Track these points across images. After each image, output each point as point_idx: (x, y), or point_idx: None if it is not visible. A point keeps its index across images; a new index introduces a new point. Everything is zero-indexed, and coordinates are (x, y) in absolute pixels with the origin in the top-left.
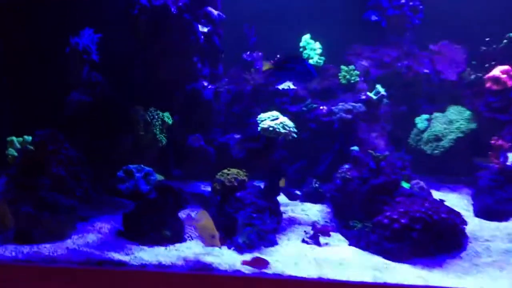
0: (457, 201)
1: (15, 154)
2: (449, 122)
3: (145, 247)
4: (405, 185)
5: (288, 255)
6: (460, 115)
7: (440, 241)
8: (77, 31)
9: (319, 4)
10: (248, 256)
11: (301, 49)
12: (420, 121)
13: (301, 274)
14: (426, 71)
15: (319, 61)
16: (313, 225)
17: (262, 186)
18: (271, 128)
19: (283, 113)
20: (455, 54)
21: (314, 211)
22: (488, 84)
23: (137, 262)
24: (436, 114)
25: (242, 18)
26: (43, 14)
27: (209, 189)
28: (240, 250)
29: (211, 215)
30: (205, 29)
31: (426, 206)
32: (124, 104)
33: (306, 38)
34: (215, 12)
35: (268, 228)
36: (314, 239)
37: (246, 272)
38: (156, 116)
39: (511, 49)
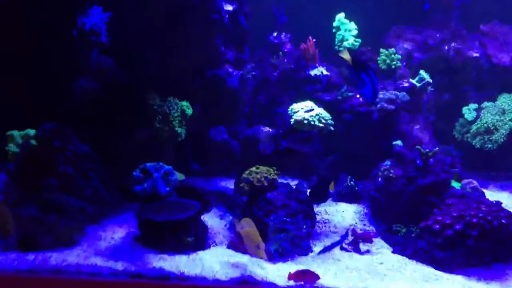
0: (510, 201)
1: (16, 150)
2: (502, 113)
3: (165, 256)
4: (455, 184)
5: (325, 265)
6: None
7: (499, 250)
8: (85, 10)
9: None
10: (284, 267)
11: (334, 30)
12: (468, 111)
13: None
14: (476, 55)
15: (354, 43)
16: (353, 230)
17: (294, 185)
18: (305, 121)
19: (315, 102)
20: (508, 36)
21: (350, 213)
22: None
23: (156, 273)
24: (486, 104)
25: None
26: None
27: (231, 186)
28: (272, 259)
29: (237, 217)
30: (230, 7)
31: (484, 210)
32: (139, 93)
33: (340, 17)
34: None
35: (303, 234)
36: (353, 246)
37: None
38: (175, 107)
39: None
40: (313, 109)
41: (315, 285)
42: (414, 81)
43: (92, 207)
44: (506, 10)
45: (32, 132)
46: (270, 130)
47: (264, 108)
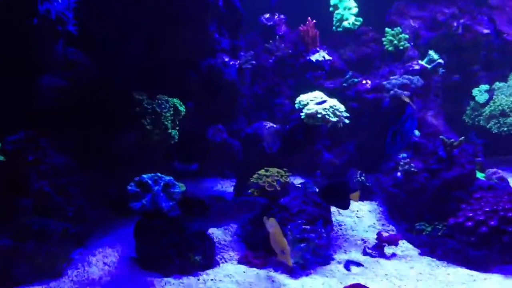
0: None
1: None
2: None
3: (171, 279)
4: (480, 175)
5: (351, 274)
6: None
7: None
8: None
9: None
10: (308, 282)
11: (331, 9)
12: (479, 92)
13: None
14: (486, 31)
15: (355, 23)
16: (378, 234)
17: (299, 184)
18: (319, 115)
19: (317, 90)
20: None
21: (365, 212)
22: None
23: None
24: (498, 84)
25: None
26: None
27: (228, 189)
28: (293, 272)
29: (245, 227)
30: None
31: None
32: (121, 90)
33: None
34: None
35: (324, 242)
36: (378, 250)
37: None
38: (167, 105)
39: None
40: (325, 101)
41: None
42: (424, 63)
43: (76, 228)
44: None
45: None
46: (274, 126)
47: (260, 99)
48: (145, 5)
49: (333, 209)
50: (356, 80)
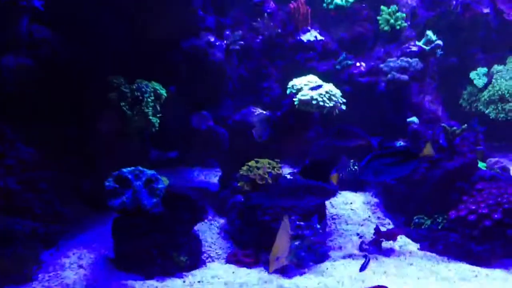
0: None
1: None
2: None
3: (153, 282)
4: (481, 165)
5: (349, 272)
6: None
7: None
8: None
9: None
10: (303, 281)
11: None
12: (477, 76)
13: None
14: (486, 10)
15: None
16: (376, 228)
17: (288, 175)
18: (314, 101)
19: (309, 73)
20: None
21: (359, 204)
22: None
23: None
24: (497, 67)
25: None
26: None
27: (212, 179)
28: (285, 272)
29: (233, 222)
30: None
31: None
32: (96, 74)
33: None
34: None
35: (320, 238)
36: (375, 246)
37: None
38: (147, 90)
39: None
40: (321, 86)
41: None
42: (421, 44)
43: (47, 227)
44: None
45: None
46: (264, 112)
47: (246, 82)
48: None
49: (326, 202)
50: (350, 62)
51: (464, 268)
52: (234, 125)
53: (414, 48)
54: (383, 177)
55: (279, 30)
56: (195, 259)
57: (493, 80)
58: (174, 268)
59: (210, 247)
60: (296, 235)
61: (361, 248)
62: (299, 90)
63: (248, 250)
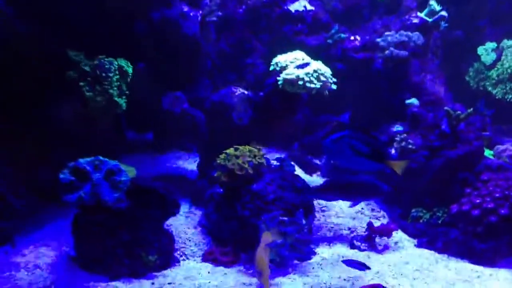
0: None
1: None
2: None
3: (118, 284)
4: (488, 153)
5: (338, 272)
6: None
7: None
8: None
9: None
10: (286, 282)
11: None
12: (486, 52)
13: None
14: None
15: None
16: (369, 223)
17: (274, 161)
18: (300, 82)
19: (297, 47)
20: None
21: None
22: None
23: None
24: (507, 42)
25: None
26: None
27: (191, 166)
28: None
29: (210, 216)
30: None
31: None
32: (55, 49)
33: None
34: None
35: (305, 236)
36: (368, 243)
37: None
38: (111, 67)
39: None
40: (308, 64)
41: None
42: (423, 15)
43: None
44: None
45: None
46: (245, 92)
47: (228, 58)
48: None
49: None
50: (343, 36)
51: (465, 267)
52: (212, 107)
53: (415, 20)
54: (342, 161)
55: (264, 0)
56: (167, 258)
57: (503, 57)
58: (144, 269)
59: (185, 243)
60: (278, 232)
61: (352, 245)
62: (284, 68)
63: (227, 247)
